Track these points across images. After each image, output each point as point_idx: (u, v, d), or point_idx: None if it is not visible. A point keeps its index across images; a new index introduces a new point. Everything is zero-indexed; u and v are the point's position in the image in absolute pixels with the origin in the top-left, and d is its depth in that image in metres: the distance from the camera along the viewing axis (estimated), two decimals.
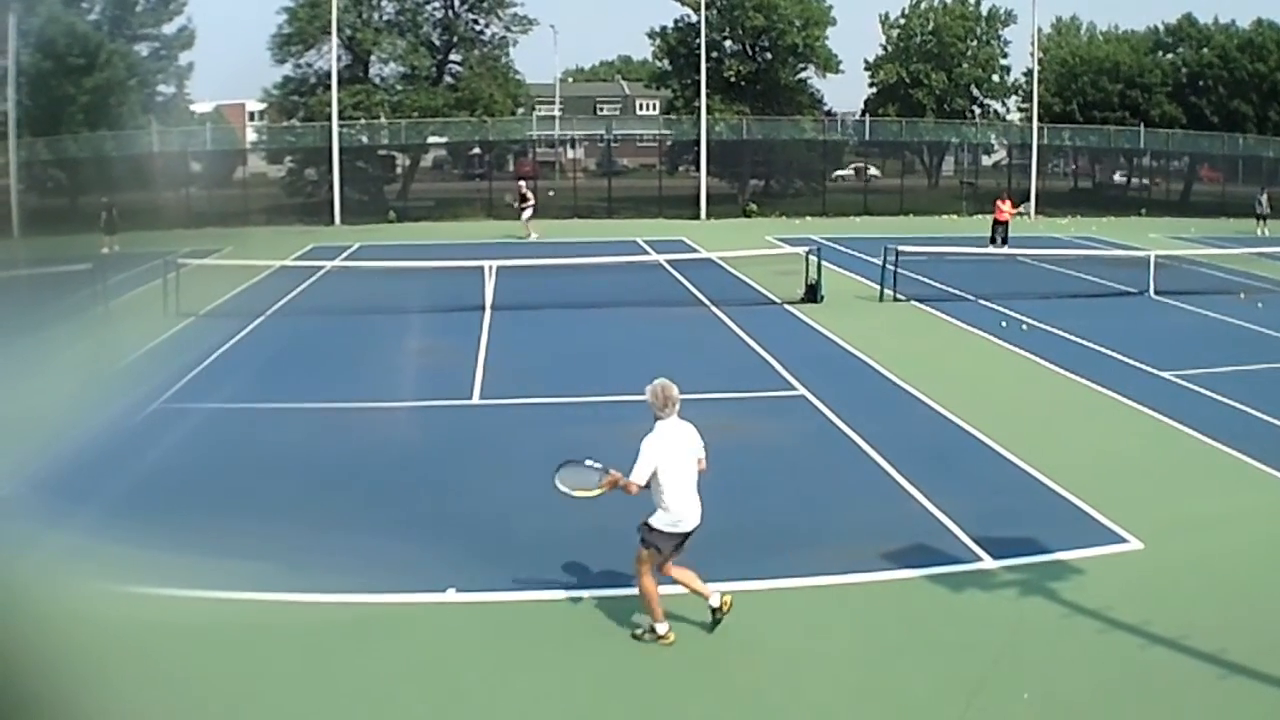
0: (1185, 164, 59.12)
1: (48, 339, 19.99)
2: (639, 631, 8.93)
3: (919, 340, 21.67)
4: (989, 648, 8.75)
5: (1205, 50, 59.09)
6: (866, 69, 63.21)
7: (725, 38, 54.99)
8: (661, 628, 8.86)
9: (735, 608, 8.97)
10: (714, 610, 8.94)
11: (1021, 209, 36.77)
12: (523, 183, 43.98)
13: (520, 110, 54.94)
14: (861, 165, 61.20)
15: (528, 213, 40.91)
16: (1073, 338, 21.27)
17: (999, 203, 37.09)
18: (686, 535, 8.79)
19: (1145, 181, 58.50)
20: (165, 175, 45.85)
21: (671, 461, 8.65)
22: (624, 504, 12.00)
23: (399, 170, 54.37)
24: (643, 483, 8.63)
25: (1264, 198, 43.54)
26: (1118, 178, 61.59)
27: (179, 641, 8.69)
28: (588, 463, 8.90)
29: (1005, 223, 36.20)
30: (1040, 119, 54.05)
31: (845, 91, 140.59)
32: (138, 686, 7.73)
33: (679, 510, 8.66)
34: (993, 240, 35.66)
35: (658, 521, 8.71)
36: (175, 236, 36.63)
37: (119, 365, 19.00)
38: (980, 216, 44.54)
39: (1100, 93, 58.76)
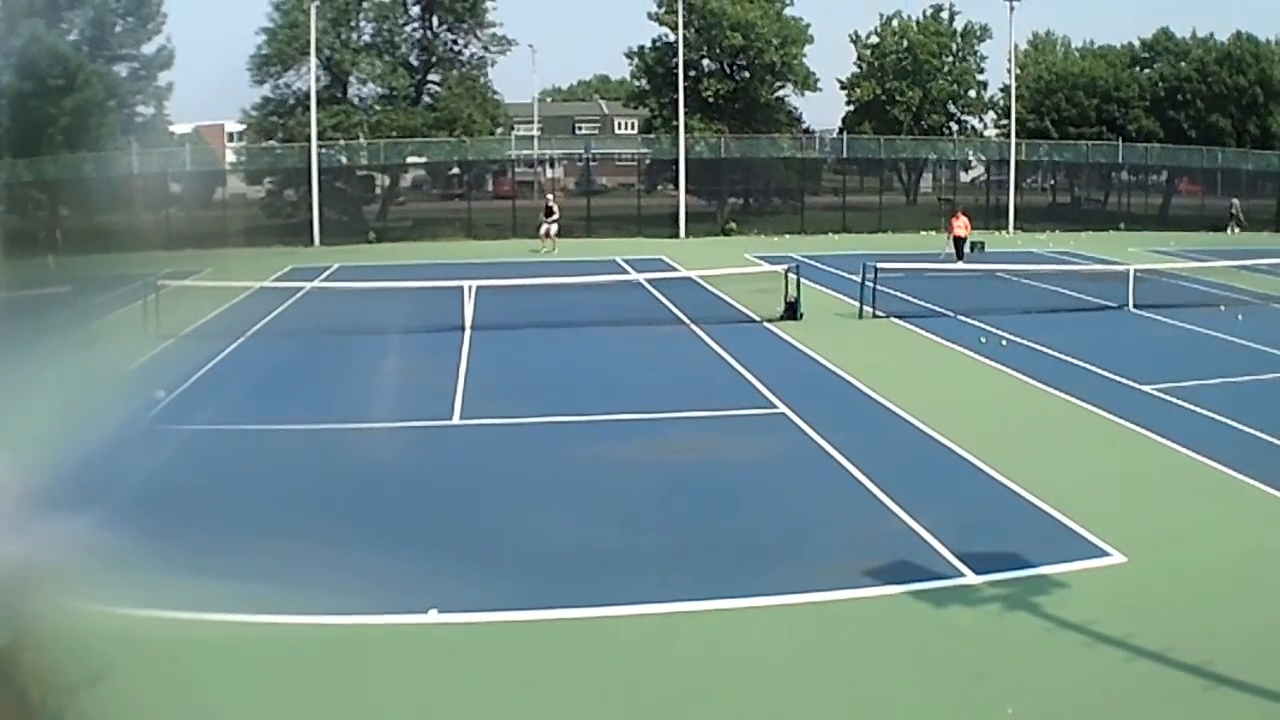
0: (1164, 178, 59.35)
1: (26, 361, 19.83)
2: None
3: (898, 356, 21.70)
4: (972, 663, 8.72)
5: (1183, 64, 59.41)
6: (842, 87, 63.37)
7: (703, 56, 55.05)
8: None
9: (718, 627, 8.96)
10: None
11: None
12: (550, 196, 44.61)
13: (499, 130, 54.89)
14: None
15: (554, 227, 41.70)
16: (1052, 352, 21.32)
17: (954, 219, 37.32)
18: None
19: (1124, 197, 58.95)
20: (144, 196, 45.64)
21: None
22: (608, 525, 11.95)
23: (378, 190, 54.27)
24: None
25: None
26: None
27: (155, 662, 8.59)
28: None
29: (963, 238, 36.40)
30: (1018, 135, 54.34)
31: (823, 109, 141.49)
32: (117, 706, 7.64)
33: None
34: (958, 255, 35.78)
35: None
36: (154, 258, 36.43)
37: (99, 387, 18.84)
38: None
39: (1076, 108, 59.06)
